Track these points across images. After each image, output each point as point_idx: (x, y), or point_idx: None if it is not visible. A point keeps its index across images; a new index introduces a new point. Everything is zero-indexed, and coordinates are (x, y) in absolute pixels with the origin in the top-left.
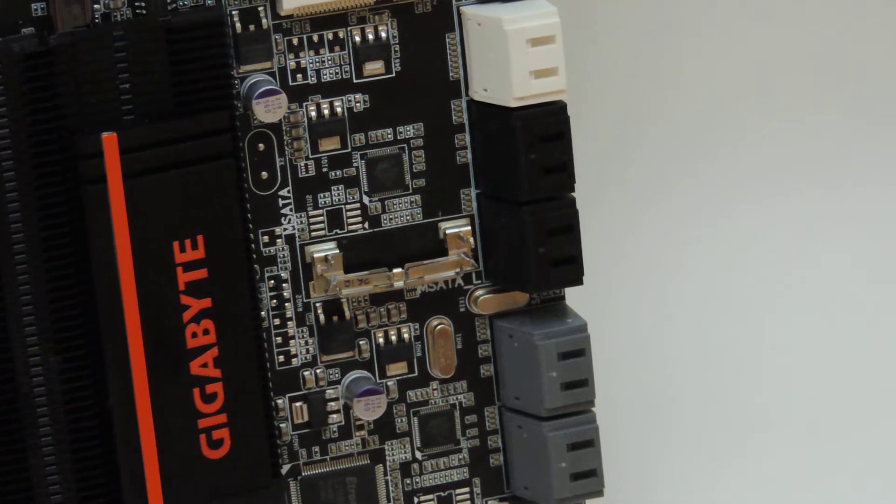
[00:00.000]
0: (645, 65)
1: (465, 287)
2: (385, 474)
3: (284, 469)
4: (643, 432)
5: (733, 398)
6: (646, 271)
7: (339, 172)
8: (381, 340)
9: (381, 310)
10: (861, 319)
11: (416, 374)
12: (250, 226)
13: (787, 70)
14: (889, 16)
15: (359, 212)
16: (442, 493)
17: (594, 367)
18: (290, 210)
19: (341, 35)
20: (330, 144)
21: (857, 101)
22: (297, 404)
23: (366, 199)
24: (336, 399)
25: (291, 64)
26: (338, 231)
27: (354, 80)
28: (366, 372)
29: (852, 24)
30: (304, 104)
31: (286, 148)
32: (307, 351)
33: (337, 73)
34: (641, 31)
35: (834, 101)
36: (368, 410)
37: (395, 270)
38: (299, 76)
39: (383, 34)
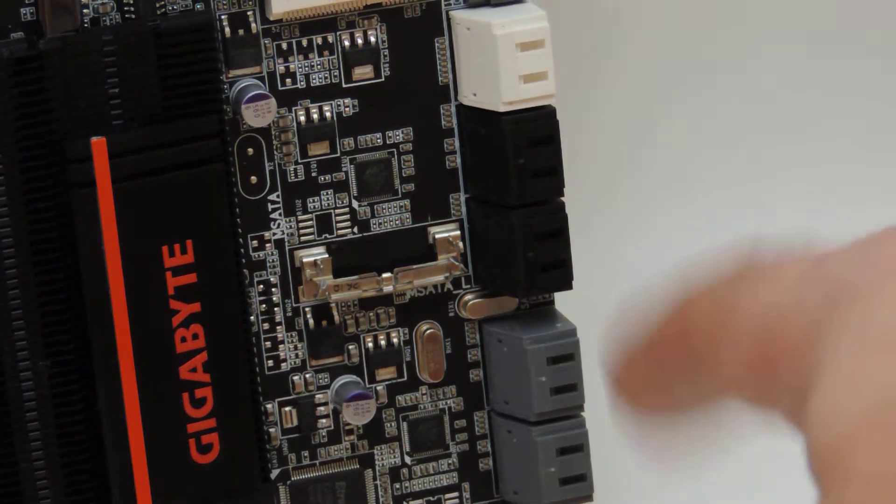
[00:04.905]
0: (636, 69)
1: (455, 292)
2: (374, 479)
3: (274, 474)
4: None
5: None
6: (635, 275)
7: (328, 177)
8: (370, 345)
9: (371, 314)
10: None
11: (405, 378)
12: (239, 230)
13: (787, 78)
14: (883, 18)
15: (348, 216)
16: (431, 498)
17: (584, 372)
18: (280, 214)
19: (330, 39)
20: (319, 149)
21: (854, 110)
22: (287, 409)
23: (355, 204)
24: (325, 404)
25: (280, 68)
26: (327, 235)
27: (343, 85)
28: (355, 376)
29: (846, 27)
30: (294, 109)
31: (275, 152)
32: (296, 356)
33: (326, 78)
34: (632, 36)
35: (826, 106)
36: (357, 415)
37: (385, 275)
38: (288, 81)
39: (372, 39)
